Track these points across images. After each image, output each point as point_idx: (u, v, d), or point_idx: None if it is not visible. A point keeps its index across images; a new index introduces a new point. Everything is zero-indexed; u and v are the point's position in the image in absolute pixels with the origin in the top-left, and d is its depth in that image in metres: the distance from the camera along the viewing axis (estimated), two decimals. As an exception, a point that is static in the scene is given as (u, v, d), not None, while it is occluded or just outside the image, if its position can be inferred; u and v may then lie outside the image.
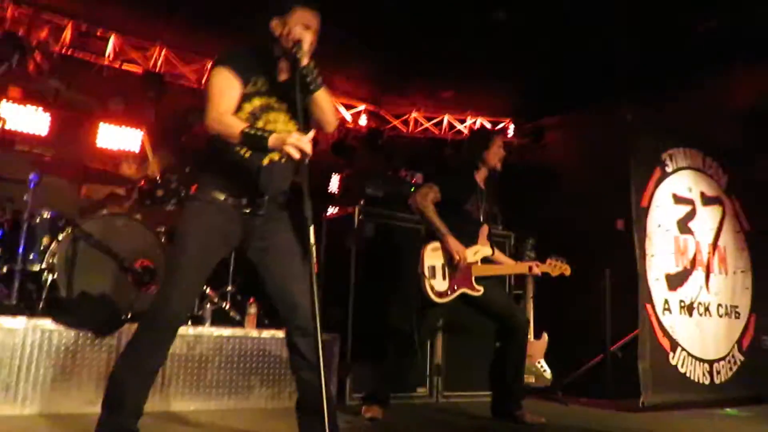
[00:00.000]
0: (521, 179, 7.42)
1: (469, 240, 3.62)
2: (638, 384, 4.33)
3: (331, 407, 2.25)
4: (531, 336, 4.61)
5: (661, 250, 4.80)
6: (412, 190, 4.74)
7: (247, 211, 2.36)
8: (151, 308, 2.34)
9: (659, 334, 4.57)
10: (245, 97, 2.33)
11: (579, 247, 4.78)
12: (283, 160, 2.39)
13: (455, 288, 3.55)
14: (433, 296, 3.50)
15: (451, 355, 4.44)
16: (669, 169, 5.06)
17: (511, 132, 7.80)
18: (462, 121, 7.79)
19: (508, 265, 3.93)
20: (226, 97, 2.27)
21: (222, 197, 2.34)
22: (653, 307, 4.59)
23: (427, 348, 4.40)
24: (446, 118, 7.78)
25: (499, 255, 3.89)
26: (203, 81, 6.51)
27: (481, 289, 3.59)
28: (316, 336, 1.93)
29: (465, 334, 4.38)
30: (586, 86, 6.18)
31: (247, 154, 2.35)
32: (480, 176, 3.80)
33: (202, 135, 2.42)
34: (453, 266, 3.53)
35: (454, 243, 3.51)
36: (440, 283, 3.53)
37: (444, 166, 7.36)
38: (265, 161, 2.37)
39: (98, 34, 6.03)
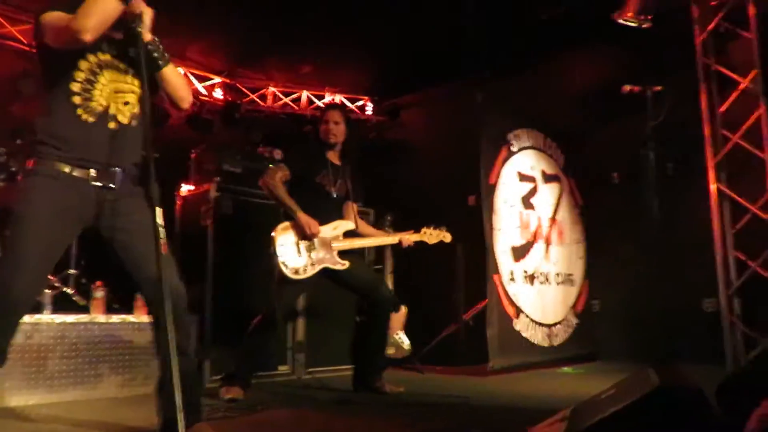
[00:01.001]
0: (379, 156, 7.59)
1: (325, 214, 3.61)
2: (485, 350, 4.64)
3: (193, 386, 2.18)
4: (390, 309, 4.76)
5: (507, 224, 5.14)
6: (270, 166, 4.66)
7: (99, 184, 2.15)
8: None
9: (505, 302, 4.92)
10: (79, 54, 2.13)
11: (434, 221, 4.99)
12: (135, 122, 2.23)
13: (314, 264, 3.55)
14: (288, 273, 3.47)
15: (312, 332, 4.46)
16: (514, 149, 5.41)
17: (369, 110, 7.91)
18: (320, 98, 7.75)
19: (374, 237, 3.93)
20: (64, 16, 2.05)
21: (67, 169, 2.11)
22: (500, 277, 4.92)
23: (288, 325, 4.39)
24: (305, 94, 7.69)
25: (366, 228, 3.93)
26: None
27: (346, 263, 3.61)
28: (167, 313, 1.82)
29: (325, 310, 4.42)
30: (441, 66, 6.40)
31: (91, 119, 2.15)
32: (332, 153, 3.79)
33: (36, 102, 2.18)
34: (310, 242, 3.53)
35: (304, 218, 3.50)
36: (295, 260, 3.51)
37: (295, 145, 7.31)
38: (112, 125, 2.18)
39: None
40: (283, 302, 3.62)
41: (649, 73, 4.53)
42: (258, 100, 7.57)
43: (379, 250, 4.97)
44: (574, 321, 5.66)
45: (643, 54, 5.24)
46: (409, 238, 3.84)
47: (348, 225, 3.73)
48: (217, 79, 7.26)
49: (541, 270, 5.40)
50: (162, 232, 1.88)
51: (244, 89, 7.49)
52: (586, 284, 5.89)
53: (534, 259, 5.35)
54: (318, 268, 3.55)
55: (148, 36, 2.10)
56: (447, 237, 3.92)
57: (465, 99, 5.95)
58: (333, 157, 3.79)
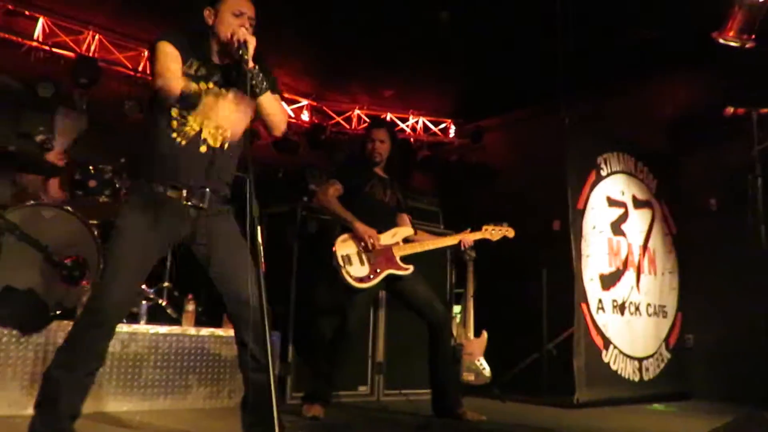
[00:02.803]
0: (462, 179, 7.55)
1: (381, 223, 3.62)
2: (573, 381, 4.45)
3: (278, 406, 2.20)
4: (471, 334, 4.68)
5: (596, 251, 4.95)
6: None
7: (189, 203, 2.28)
8: (90, 305, 2.24)
9: (593, 332, 4.72)
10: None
11: (517, 246, 4.88)
12: (225, 146, 2.34)
13: (378, 271, 3.54)
14: (353, 283, 3.49)
15: (392, 353, 4.43)
16: (603, 173, 5.22)
17: (452, 132, 7.91)
18: (404, 120, 7.81)
19: (434, 240, 3.89)
20: (172, 59, 2.22)
21: (161, 189, 2.27)
22: (588, 306, 4.73)
23: (369, 346, 4.40)
24: (388, 116, 7.78)
25: (424, 235, 3.92)
26: (140, 67, 6.27)
27: (410, 267, 3.59)
28: (265, 334, 1.88)
29: (406, 331, 4.38)
30: (525, 88, 6.31)
31: (183, 142, 2.28)
32: (378, 168, 3.82)
33: (139, 124, 2.33)
34: (370, 251, 3.53)
35: (362, 227, 3.52)
36: (359, 270, 3.52)
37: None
38: (203, 149, 2.30)
39: (26, 14, 5.71)
40: (355, 314, 3.62)
41: (753, 94, 4.28)
42: (343, 123, 7.73)
43: (461, 273, 4.89)
44: (666, 355, 5.35)
45: (746, 75, 4.96)
46: (469, 237, 3.80)
47: (407, 231, 3.74)
48: (304, 102, 7.47)
49: (632, 300, 5.15)
50: (260, 250, 1.94)
51: (330, 112, 7.67)
52: (680, 317, 5.57)
53: (624, 289, 5.11)
54: (382, 275, 3.55)
55: (250, 64, 2.21)
56: (510, 232, 3.85)
57: (550, 121, 5.80)
58: (379, 170, 3.83)
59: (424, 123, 7.87)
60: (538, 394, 4.77)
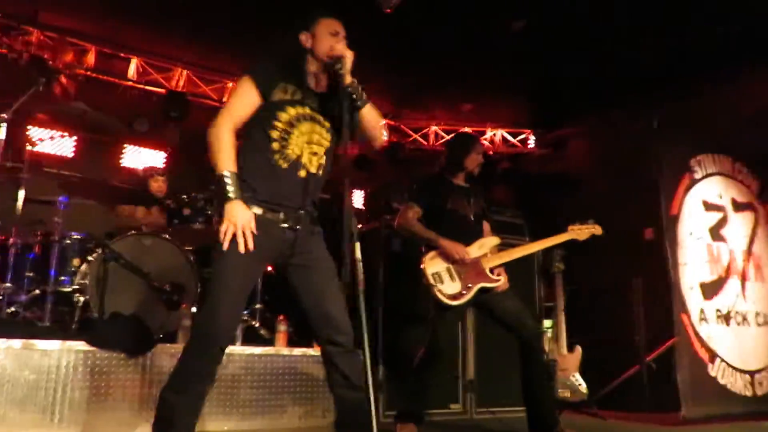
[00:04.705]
0: (545, 190, 7.37)
1: (467, 237, 3.55)
2: (675, 396, 4.22)
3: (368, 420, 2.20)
4: (564, 349, 4.53)
5: (694, 258, 4.70)
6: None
7: (285, 225, 2.32)
8: (198, 330, 2.32)
9: (696, 344, 4.46)
10: (278, 105, 2.32)
11: (607, 257, 4.70)
12: (320, 172, 2.39)
13: (470, 285, 3.46)
14: (447, 300, 3.41)
15: (484, 370, 4.36)
16: (698, 176, 4.97)
17: (531, 143, 7.76)
18: (482, 134, 7.74)
19: (522, 248, 3.78)
20: (238, 107, 2.31)
21: (260, 212, 2.29)
22: (689, 316, 4.48)
23: (459, 363, 4.34)
24: (466, 131, 7.73)
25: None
26: (224, 99, 6.55)
27: (501, 278, 3.51)
28: (364, 356, 1.88)
29: (497, 348, 4.29)
30: (606, 93, 6.12)
31: (285, 165, 2.32)
32: (458, 179, 3.76)
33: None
34: (459, 266, 3.48)
35: (448, 244, 3.45)
36: (450, 286, 3.45)
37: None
38: (302, 173, 2.34)
39: (121, 56, 6.10)
40: (445, 330, 3.58)
41: None
42: (420, 140, 7.75)
43: (551, 288, 4.76)
44: (781, 368, 4.98)
45: None
46: (556, 239, 3.69)
47: (493, 241, 3.64)
48: (382, 122, 7.55)
49: (738, 309, 4.84)
50: (360, 267, 1.95)
51: (407, 130, 7.72)
52: (794, 326, 5.17)
53: (728, 297, 4.81)
54: (475, 289, 3.47)
55: (348, 78, 2.25)
56: (598, 229, 3.68)
57: (635, 125, 5.58)
58: (459, 180, 3.76)
59: (502, 135, 7.77)
60: (639, 409, 4.53)
